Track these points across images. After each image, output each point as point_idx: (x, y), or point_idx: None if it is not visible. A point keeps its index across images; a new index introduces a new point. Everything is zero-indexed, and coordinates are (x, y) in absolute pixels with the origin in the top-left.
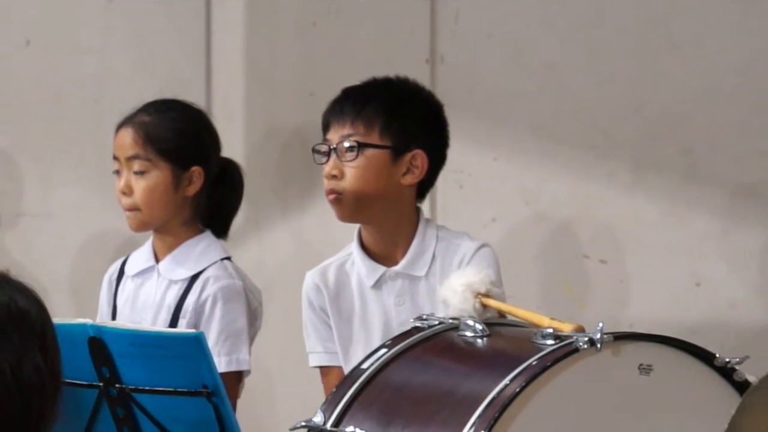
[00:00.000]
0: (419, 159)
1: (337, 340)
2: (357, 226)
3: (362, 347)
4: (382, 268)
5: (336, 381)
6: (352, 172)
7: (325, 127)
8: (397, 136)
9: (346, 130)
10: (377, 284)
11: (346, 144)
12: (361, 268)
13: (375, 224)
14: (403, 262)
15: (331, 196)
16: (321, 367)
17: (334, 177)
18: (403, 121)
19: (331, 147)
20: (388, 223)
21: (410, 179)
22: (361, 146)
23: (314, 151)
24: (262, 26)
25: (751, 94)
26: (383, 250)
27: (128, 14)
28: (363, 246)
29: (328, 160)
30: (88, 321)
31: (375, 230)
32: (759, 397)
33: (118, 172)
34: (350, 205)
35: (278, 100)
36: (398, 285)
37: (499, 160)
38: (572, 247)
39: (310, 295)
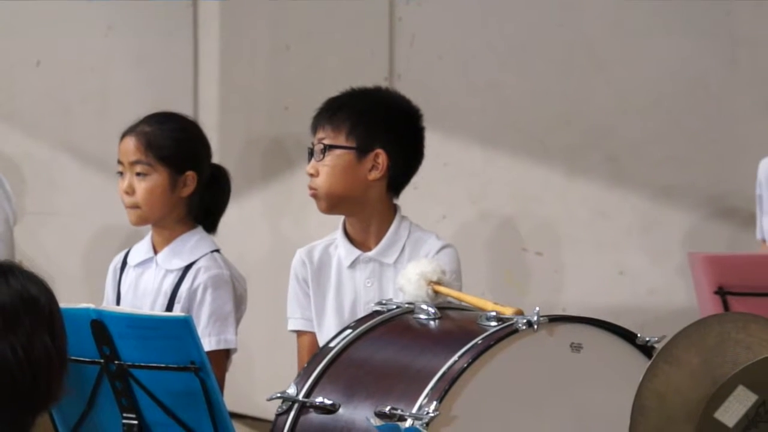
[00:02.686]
0: (381, 157)
1: (314, 309)
2: (329, 222)
3: (333, 317)
4: (357, 252)
5: (307, 344)
6: (323, 170)
7: (312, 132)
8: (361, 137)
9: (320, 134)
10: (352, 265)
11: (320, 146)
12: (341, 250)
13: (350, 214)
14: (376, 249)
15: (310, 192)
16: (297, 332)
17: (312, 175)
18: (366, 124)
19: (312, 149)
20: (362, 213)
21: (375, 175)
22: (328, 148)
23: (308, 154)
24: (242, 49)
25: (668, 108)
26: (360, 237)
27: (126, 39)
28: (346, 232)
29: (310, 161)
30: (91, 306)
31: (352, 219)
32: (659, 362)
33: (121, 174)
34: (325, 199)
35: (257, 113)
36: (370, 268)
37: (449, 166)
38: (513, 241)
39: (297, 268)
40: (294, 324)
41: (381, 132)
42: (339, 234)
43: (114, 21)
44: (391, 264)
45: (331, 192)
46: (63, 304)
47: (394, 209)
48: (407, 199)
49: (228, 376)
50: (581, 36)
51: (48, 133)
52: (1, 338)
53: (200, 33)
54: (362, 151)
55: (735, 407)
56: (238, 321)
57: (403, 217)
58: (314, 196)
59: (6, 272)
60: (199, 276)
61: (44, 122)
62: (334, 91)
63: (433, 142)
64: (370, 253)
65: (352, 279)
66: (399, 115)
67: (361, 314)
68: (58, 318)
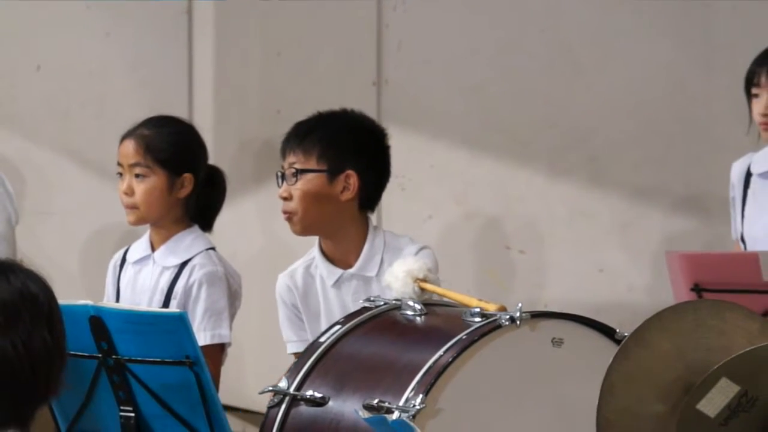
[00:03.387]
0: (352, 178)
1: (309, 329)
2: None
3: None
4: (339, 270)
5: None
6: (296, 193)
7: (282, 155)
8: (332, 160)
9: (291, 159)
10: (337, 284)
11: (291, 171)
12: (322, 270)
13: (325, 235)
14: (356, 266)
15: (284, 216)
16: (296, 354)
17: (285, 199)
18: (336, 148)
19: (282, 173)
20: (337, 233)
21: (347, 195)
22: (299, 172)
23: (276, 176)
24: (235, 55)
25: (646, 111)
26: (338, 255)
27: (124, 44)
28: (323, 251)
29: (282, 185)
30: (89, 302)
31: (328, 239)
32: (630, 345)
33: (120, 175)
34: (299, 222)
35: (250, 117)
36: (354, 284)
37: (435, 167)
38: (496, 240)
39: (283, 295)
40: (293, 347)
41: (350, 153)
42: (316, 254)
43: (112, 27)
44: (373, 276)
45: (305, 213)
46: (62, 301)
47: (367, 223)
48: (395, 199)
49: (222, 370)
50: (563, 41)
51: (48, 136)
52: (1, 334)
53: (195, 39)
54: (333, 173)
55: (717, 398)
56: (232, 316)
57: (376, 228)
58: (289, 219)
59: (7, 270)
60: (195, 273)
61: (44, 125)
62: (325, 94)
63: (419, 144)
64: (351, 270)
65: (339, 297)
66: (367, 136)
67: None
68: (57, 314)
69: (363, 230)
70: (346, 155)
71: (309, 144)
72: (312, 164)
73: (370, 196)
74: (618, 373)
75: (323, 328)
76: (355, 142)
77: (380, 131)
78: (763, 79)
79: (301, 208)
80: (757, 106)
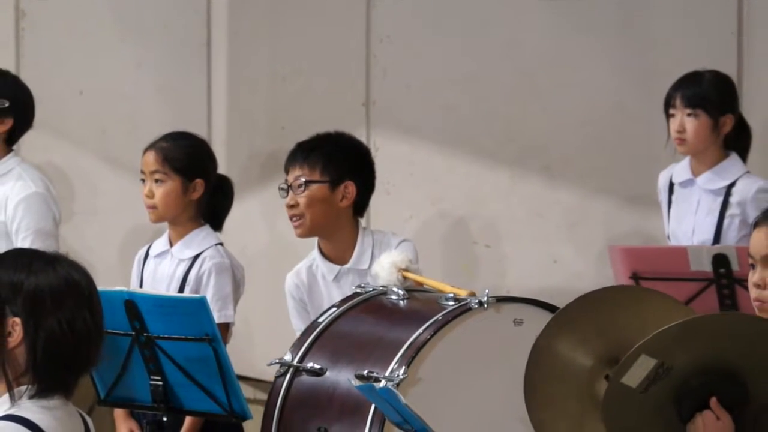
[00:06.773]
0: (350, 187)
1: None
2: None
3: None
4: (337, 267)
5: None
6: (303, 201)
7: (286, 171)
8: (333, 173)
9: (297, 172)
10: (336, 278)
11: (298, 182)
12: (322, 268)
13: (325, 236)
14: (351, 261)
15: (294, 222)
16: None
17: (292, 207)
18: (337, 162)
19: (289, 185)
20: (335, 234)
21: (345, 202)
22: (307, 183)
23: (279, 188)
24: (246, 80)
25: (592, 129)
26: (336, 254)
27: (153, 73)
28: (322, 252)
29: (288, 195)
30: (125, 288)
31: (326, 240)
32: (553, 324)
33: (143, 181)
34: (305, 226)
35: (258, 133)
36: (351, 277)
37: (414, 175)
38: (466, 236)
39: (292, 291)
40: None
41: (349, 167)
42: (316, 255)
43: (142, 58)
44: (366, 269)
45: (311, 219)
46: (102, 287)
47: (358, 225)
48: (381, 202)
49: (234, 345)
50: (522, 69)
51: (90, 148)
52: (49, 314)
53: (213, 67)
54: (334, 183)
55: (638, 372)
56: (236, 301)
57: (364, 229)
58: (298, 225)
59: (53, 261)
60: (205, 264)
61: (87, 140)
62: (322, 114)
63: (402, 155)
64: (347, 265)
65: (340, 289)
66: (359, 153)
67: None
68: (96, 298)
69: (355, 231)
70: (345, 168)
71: (313, 159)
72: (316, 176)
73: (362, 203)
74: (544, 347)
75: None
76: (352, 158)
77: (367, 150)
78: (677, 102)
79: (308, 213)
80: (673, 124)
